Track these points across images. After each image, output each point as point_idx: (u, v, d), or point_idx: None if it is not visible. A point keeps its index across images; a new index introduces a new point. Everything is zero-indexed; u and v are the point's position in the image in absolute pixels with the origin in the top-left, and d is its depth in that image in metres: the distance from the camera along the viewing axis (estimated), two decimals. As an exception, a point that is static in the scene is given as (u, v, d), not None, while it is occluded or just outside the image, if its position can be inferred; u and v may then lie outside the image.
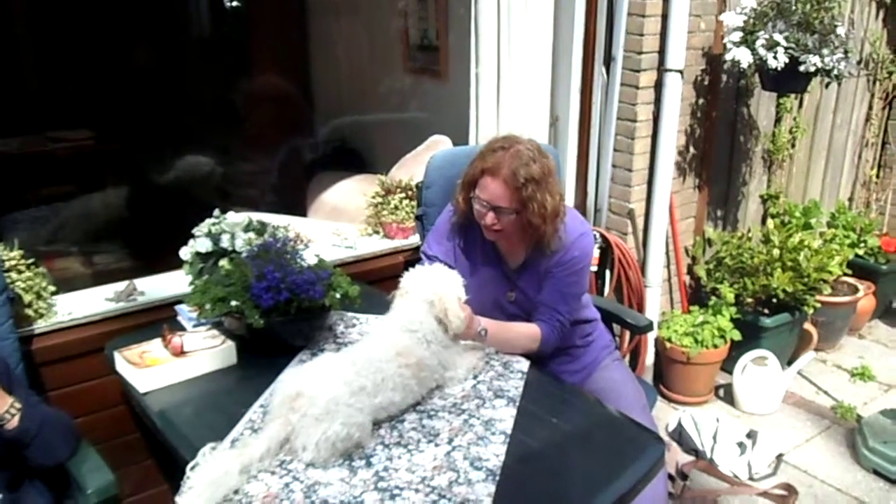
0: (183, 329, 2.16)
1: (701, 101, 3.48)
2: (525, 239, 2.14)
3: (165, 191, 4.23)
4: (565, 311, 2.14)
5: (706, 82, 3.46)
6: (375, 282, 2.71)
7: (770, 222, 3.81)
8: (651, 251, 3.47)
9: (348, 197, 3.73)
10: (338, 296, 2.05)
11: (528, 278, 2.19)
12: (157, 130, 4.47)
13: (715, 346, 3.45)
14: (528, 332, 2.12)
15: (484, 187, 2.03)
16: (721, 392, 3.64)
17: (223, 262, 2.23)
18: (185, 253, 2.31)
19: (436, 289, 1.87)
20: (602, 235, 3.44)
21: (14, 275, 2.25)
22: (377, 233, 3.19)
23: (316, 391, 1.63)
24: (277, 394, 1.66)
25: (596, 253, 3.40)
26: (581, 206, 3.48)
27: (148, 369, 1.92)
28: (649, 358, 3.61)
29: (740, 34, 3.16)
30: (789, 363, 3.61)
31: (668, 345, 3.49)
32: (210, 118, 4.76)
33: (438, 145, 3.42)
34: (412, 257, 2.97)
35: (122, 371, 1.97)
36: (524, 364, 2.02)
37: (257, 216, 2.44)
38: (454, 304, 1.88)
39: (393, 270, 2.90)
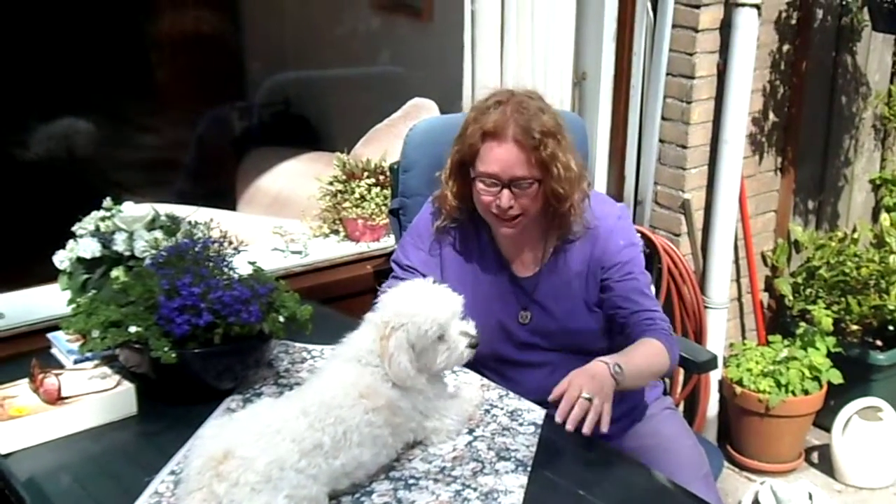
0: (61, 366, 2.15)
1: (786, 48, 3.52)
2: (544, 228, 2.20)
3: (30, 170, 4.20)
4: (655, 306, 2.21)
5: (793, 21, 3.50)
6: (334, 300, 2.72)
7: (885, 218, 3.82)
8: (714, 259, 3.51)
9: (295, 183, 3.74)
10: (281, 319, 2.06)
11: (550, 289, 2.22)
12: (16, 83, 4.40)
13: (805, 393, 3.49)
14: (651, 349, 2.15)
15: (488, 158, 2.09)
16: (815, 457, 3.67)
17: (117, 272, 2.24)
18: (61, 259, 2.30)
19: (434, 314, 1.88)
20: (645, 237, 3.48)
21: None
22: (336, 233, 3.21)
23: (252, 451, 1.63)
24: (197, 455, 1.67)
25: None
26: (615, 195, 3.51)
27: (11, 422, 1.91)
28: (712, 407, 3.65)
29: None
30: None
31: (738, 389, 3.52)
32: (97, 69, 4.73)
33: (420, 112, 3.45)
34: (384, 266, 2.98)
35: (-25, 424, 1.97)
36: (538, 414, 2.04)
37: (166, 208, 2.44)
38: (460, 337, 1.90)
39: (358, 284, 2.92)
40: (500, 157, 2.07)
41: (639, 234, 3.44)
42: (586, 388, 1.88)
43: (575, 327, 2.25)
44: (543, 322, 2.24)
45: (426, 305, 1.86)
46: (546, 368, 2.25)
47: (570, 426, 1.83)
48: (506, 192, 2.09)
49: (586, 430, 1.84)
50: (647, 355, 2.13)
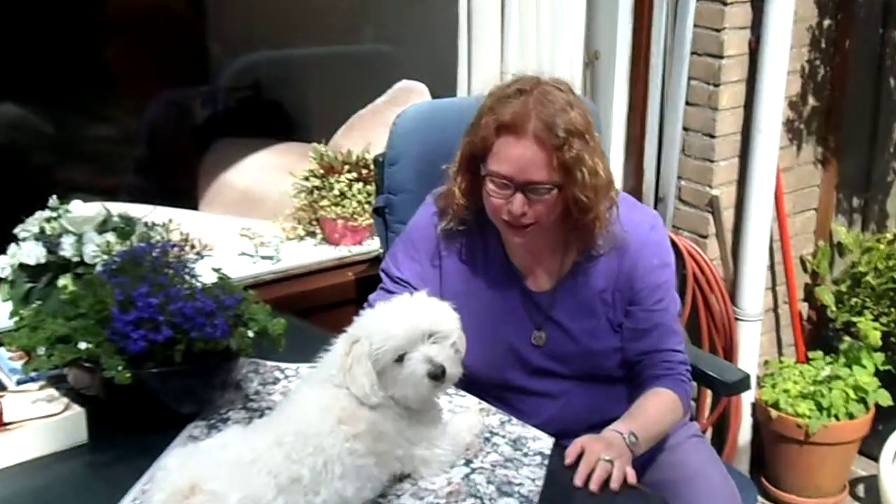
0: (2, 387, 2.15)
1: (827, 23, 3.54)
2: (564, 239, 2.20)
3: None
4: (678, 343, 2.23)
5: (835, -8, 3.53)
6: (311, 311, 2.74)
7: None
8: (746, 264, 3.53)
9: (266, 178, 3.75)
10: (250, 334, 2.06)
11: (569, 306, 2.22)
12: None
13: (850, 417, 3.50)
14: (665, 405, 2.19)
15: (503, 155, 2.07)
16: (860, 489, 3.69)
17: (65, 281, 2.24)
18: (1, 266, 2.31)
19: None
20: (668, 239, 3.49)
21: None
22: (312, 235, 3.22)
23: (223, 485, 1.64)
24: (160, 488, 1.67)
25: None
26: (633, 191, 3.52)
27: (-56, 452, 1.92)
28: (744, 434, 3.66)
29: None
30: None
31: (773, 413, 3.54)
32: (38, 49, 4.72)
33: (410, 97, 3.46)
34: (368, 273, 3.00)
35: None
36: (545, 443, 2.05)
37: (120, 207, 2.45)
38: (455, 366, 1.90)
39: (338, 293, 2.92)
40: (515, 156, 2.05)
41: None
42: (605, 454, 1.92)
43: (598, 348, 2.25)
44: (561, 344, 2.23)
45: (389, 321, 1.86)
46: (561, 399, 2.26)
47: (594, 486, 1.87)
48: (518, 196, 2.06)
49: (614, 485, 1.88)
50: (660, 413, 2.17)
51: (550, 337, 2.25)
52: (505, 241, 2.24)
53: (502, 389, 2.27)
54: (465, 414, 2.08)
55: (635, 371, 2.23)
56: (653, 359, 2.21)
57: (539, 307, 2.25)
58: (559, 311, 2.23)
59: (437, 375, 1.81)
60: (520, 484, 1.91)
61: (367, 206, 3.11)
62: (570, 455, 1.93)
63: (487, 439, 2.05)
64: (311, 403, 1.83)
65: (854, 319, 3.63)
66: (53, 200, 2.39)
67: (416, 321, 1.85)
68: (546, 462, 1.98)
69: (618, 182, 3.48)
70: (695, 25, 3.33)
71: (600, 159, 2.11)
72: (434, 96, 3.40)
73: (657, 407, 2.16)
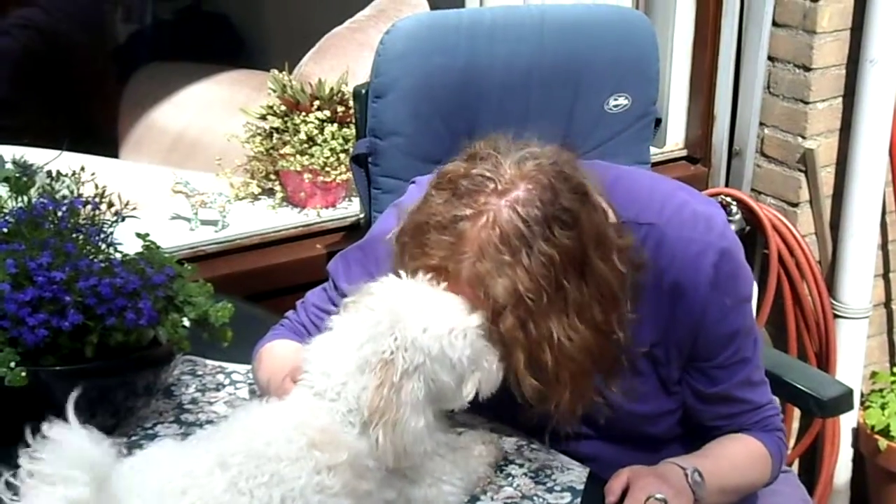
0: None
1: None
2: None
3: None
4: (759, 379, 2.23)
5: None
6: (267, 295, 2.76)
7: None
8: (849, 243, 3.54)
9: (209, 117, 3.76)
10: (186, 323, 2.08)
11: None
12: None
13: None
14: (750, 455, 2.20)
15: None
16: None
17: (-62, 248, 2.24)
18: None
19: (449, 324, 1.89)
20: (743, 207, 3.50)
21: None
22: (270, 193, 3.23)
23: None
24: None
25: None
26: (699, 143, 3.53)
27: None
28: (843, 468, 3.68)
29: None
30: None
31: (882, 443, 3.56)
32: None
33: (401, 9, 3.47)
34: (343, 245, 2.98)
35: None
36: (577, 475, 2.06)
37: (14, 151, 2.46)
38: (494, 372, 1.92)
39: (304, 271, 2.92)
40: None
41: (733, 202, 3.50)
42: (658, 490, 1.93)
43: (643, 411, 2.22)
44: (589, 407, 2.16)
45: (447, 320, 1.86)
46: (593, 465, 2.24)
47: None
48: None
49: None
50: (741, 461, 2.18)
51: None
52: None
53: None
54: (474, 437, 2.08)
55: (710, 435, 2.23)
56: (737, 422, 2.22)
57: None
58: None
59: None
60: (543, 529, 1.93)
61: (343, 156, 3.11)
62: (612, 491, 1.93)
63: (501, 468, 2.06)
64: (274, 418, 1.83)
65: None
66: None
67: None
68: (577, 500, 1.99)
69: (679, 133, 3.50)
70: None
71: (584, 313, 1.95)
72: (434, 7, 3.40)
73: (738, 452, 2.17)
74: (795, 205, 3.53)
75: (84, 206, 2.17)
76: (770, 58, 3.45)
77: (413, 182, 2.28)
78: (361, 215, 2.82)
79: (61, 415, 2.01)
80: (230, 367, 2.31)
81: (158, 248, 2.18)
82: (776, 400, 2.27)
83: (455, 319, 1.87)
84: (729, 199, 3.50)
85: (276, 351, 2.17)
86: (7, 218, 2.13)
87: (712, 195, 3.41)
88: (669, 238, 2.10)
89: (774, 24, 3.42)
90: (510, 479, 2.04)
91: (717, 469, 2.08)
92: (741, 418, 2.20)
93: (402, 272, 1.95)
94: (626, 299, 2.01)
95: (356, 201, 3.07)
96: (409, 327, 1.83)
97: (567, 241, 1.90)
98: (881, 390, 3.64)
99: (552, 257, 1.89)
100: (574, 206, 1.91)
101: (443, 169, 1.99)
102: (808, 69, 3.41)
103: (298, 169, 3.13)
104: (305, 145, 3.13)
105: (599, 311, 1.95)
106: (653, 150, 3.21)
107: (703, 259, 2.11)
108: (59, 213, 2.11)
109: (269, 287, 2.85)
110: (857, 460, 3.67)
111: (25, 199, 2.27)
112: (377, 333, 1.83)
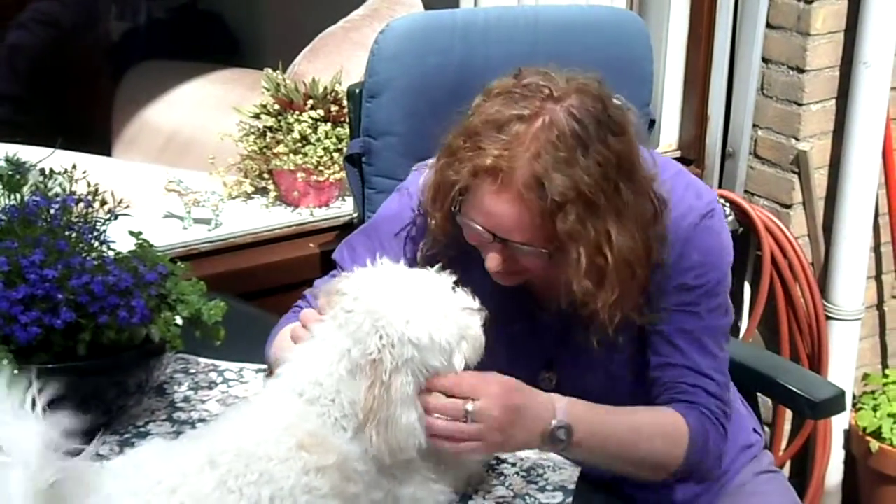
0: None
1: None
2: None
3: None
4: (714, 371, 2.17)
5: None
6: (260, 294, 2.77)
7: None
8: (842, 244, 3.55)
9: (202, 116, 3.76)
10: (178, 321, 2.07)
11: (590, 324, 2.20)
12: None
13: (976, 449, 3.52)
14: (660, 421, 2.13)
15: (478, 203, 2.02)
16: None
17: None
18: None
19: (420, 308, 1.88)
20: (736, 208, 3.51)
21: None
22: (263, 192, 3.23)
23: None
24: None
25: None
26: (692, 145, 3.53)
27: None
28: (834, 470, 3.70)
29: None
30: None
31: (874, 445, 3.56)
32: None
33: (395, 7, 3.48)
34: (337, 244, 2.99)
35: None
36: (568, 474, 2.06)
37: (6, 149, 2.45)
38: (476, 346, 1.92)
39: (297, 270, 2.93)
40: (493, 211, 1.99)
41: (726, 203, 3.50)
42: (485, 415, 1.89)
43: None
44: (577, 383, 2.16)
45: (428, 305, 1.86)
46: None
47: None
48: (495, 252, 2.04)
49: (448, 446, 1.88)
50: (641, 432, 2.12)
51: (563, 377, 2.24)
52: None
53: None
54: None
55: (650, 393, 2.20)
56: (671, 374, 2.17)
57: (550, 333, 2.24)
58: (575, 337, 2.17)
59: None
60: (534, 528, 1.93)
61: (337, 155, 3.11)
62: (443, 386, 1.90)
63: (493, 467, 2.06)
64: (264, 418, 1.83)
65: None
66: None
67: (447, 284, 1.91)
68: (569, 499, 1.99)
69: (673, 132, 3.50)
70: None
71: (636, 225, 2.03)
72: (428, 7, 3.40)
73: (646, 421, 2.13)
74: (788, 206, 3.53)
75: (77, 204, 2.17)
76: (764, 59, 3.46)
77: (416, 169, 2.30)
78: (355, 215, 2.82)
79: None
80: (223, 365, 2.31)
81: (151, 246, 2.18)
82: (729, 391, 2.22)
83: (435, 301, 1.87)
84: (722, 201, 3.50)
85: (287, 332, 2.13)
86: (2, 214, 2.13)
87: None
88: (673, 191, 2.13)
89: (768, 25, 3.42)
90: (502, 478, 2.03)
91: (603, 428, 2.05)
92: (676, 371, 2.16)
93: (452, 176, 2.02)
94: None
95: (349, 200, 3.06)
96: (392, 323, 1.82)
97: (619, 145, 1.99)
98: (873, 392, 3.65)
99: (609, 159, 1.97)
100: (621, 118, 2.01)
101: (489, 85, 2.06)
102: (801, 71, 3.41)
103: (292, 168, 3.13)
104: (299, 144, 3.13)
105: (648, 217, 2.04)
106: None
107: (694, 213, 2.16)
108: (52, 211, 2.11)
109: (262, 286, 2.86)
110: (849, 462, 3.67)
111: (18, 196, 2.27)
112: (361, 336, 1.83)
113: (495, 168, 1.95)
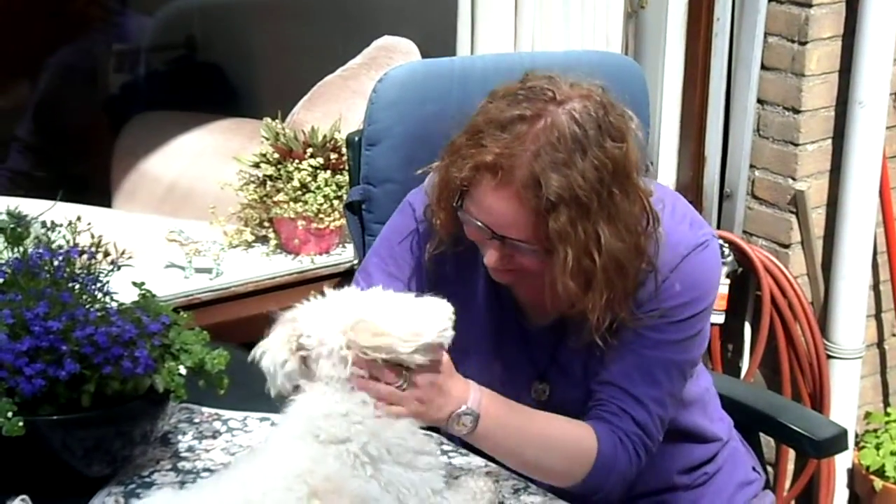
0: None
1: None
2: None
3: None
4: (652, 401, 2.17)
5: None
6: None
7: None
8: (841, 283, 3.55)
9: (202, 166, 3.77)
10: (182, 371, 2.07)
11: (576, 348, 2.23)
12: None
13: (981, 487, 3.51)
14: (570, 436, 2.15)
15: (479, 199, 2.06)
16: None
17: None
18: None
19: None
20: (735, 249, 3.52)
21: None
22: (264, 241, 3.24)
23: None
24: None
25: (723, 286, 3.47)
26: (690, 186, 3.54)
27: None
28: (840, 511, 3.67)
29: None
30: None
31: (878, 483, 3.55)
32: None
33: (392, 57, 3.48)
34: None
35: None
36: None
37: (9, 202, 2.46)
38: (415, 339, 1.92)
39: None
40: (492, 207, 2.03)
41: (725, 244, 3.50)
42: (418, 385, 1.93)
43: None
44: (569, 395, 2.21)
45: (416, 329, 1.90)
46: None
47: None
48: (493, 248, 2.07)
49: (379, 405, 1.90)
50: (545, 438, 2.13)
51: (555, 388, 2.25)
52: None
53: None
54: (472, 477, 2.08)
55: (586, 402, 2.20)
56: (608, 393, 2.17)
57: (541, 347, 2.25)
58: (566, 350, 2.21)
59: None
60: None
61: (336, 203, 3.12)
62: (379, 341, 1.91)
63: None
64: (275, 466, 1.83)
65: None
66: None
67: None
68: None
69: (670, 173, 3.50)
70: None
71: (623, 226, 2.04)
72: (424, 55, 3.41)
73: (556, 430, 2.14)
74: (787, 246, 3.54)
75: (80, 256, 2.18)
76: (759, 100, 3.47)
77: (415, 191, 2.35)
78: (355, 262, 2.82)
79: (56, 465, 2.03)
80: (227, 414, 2.31)
81: (154, 296, 2.19)
82: (664, 426, 2.19)
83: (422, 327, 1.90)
84: (721, 242, 3.50)
85: None
86: (3, 269, 2.13)
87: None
88: (666, 224, 2.13)
89: (763, 67, 3.43)
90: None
91: (509, 421, 2.08)
92: (613, 391, 2.16)
93: (455, 172, 2.06)
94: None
95: (350, 248, 3.07)
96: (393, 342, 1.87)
97: (617, 151, 2.01)
98: (875, 430, 3.64)
99: (605, 164, 1.99)
100: (621, 125, 2.04)
101: (495, 89, 2.11)
102: (797, 111, 3.43)
103: (292, 216, 3.14)
104: (299, 192, 3.14)
105: (640, 227, 2.06)
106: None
107: (684, 244, 2.17)
108: (55, 263, 2.11)
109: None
110: (853, 501, 3.66)
111: (21, 249, 2.28)
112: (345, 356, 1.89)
113: (496, 165, 2.00)
